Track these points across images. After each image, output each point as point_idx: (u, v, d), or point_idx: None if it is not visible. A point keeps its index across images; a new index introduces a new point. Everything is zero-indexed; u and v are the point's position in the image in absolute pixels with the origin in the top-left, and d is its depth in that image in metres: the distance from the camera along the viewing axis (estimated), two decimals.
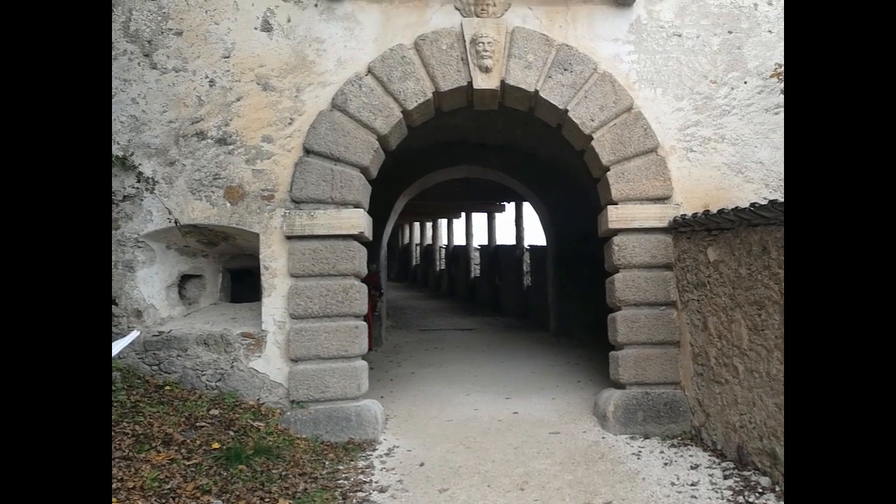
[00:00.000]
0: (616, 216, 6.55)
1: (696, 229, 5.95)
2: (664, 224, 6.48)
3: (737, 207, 5.08)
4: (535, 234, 19.21)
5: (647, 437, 6.13)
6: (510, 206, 20.72)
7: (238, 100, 6.55)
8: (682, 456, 5.61)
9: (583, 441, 6.02)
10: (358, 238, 6.53)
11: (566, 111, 6.63)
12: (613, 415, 6.28)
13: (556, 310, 12.60)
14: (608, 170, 6.63)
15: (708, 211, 5.66)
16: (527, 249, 17.07)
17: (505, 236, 21.73)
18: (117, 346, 4.67)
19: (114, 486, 3.92)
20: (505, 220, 22.92)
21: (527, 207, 17.41)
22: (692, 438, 6.04)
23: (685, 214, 6.21)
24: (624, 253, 6.52)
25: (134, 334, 5.01)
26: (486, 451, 5.76)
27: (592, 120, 6.62)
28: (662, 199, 6.57)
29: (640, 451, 5.73)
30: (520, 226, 17.73)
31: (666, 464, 5.43)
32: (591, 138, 6.65)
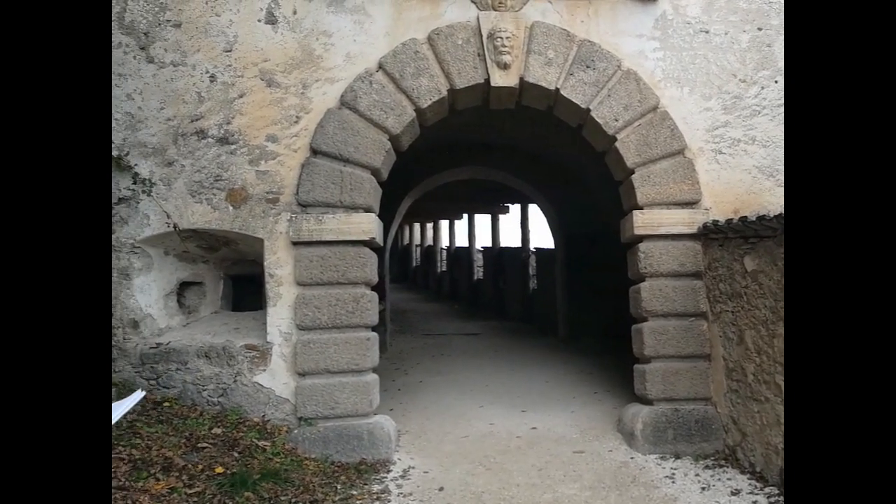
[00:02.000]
0: (642, 221, 6.19)
1: (731, 236, 5.59)
2: (693, 230, 6.13)
3: (781, 214, 4.72)
4: (541, 237, 18.91)
5: (678, 456, 5.77)
6: (515, 208, 20.42)
7: (240, 96, 6.16)
8: (719, 479, 5.25)
9: (610, 462, 5.65)
10: (369, 244, 6.16)
11: (588, 110, 6.27)
12: (642, 433, 5.92)
13: (566, 314, 12.26)
14: (633, 172, 6.28)
15: (745, 217, 5.30)
16: (532, 252, 16.72)
17: (509, 238, 21.37)
18: (119, 410, 4.16)
19: None
20: (509, 222, 22.65)
21: (532, 209, 17.09)
22: (726, 458, 5.68)
23: (717, 220, 5.85)
24: (650, 261, 6.17)
25: (138, 395, 4.56)
26: (508, 473, 5.40)
27: (616, 120, 6.26)
28: (691, 204, 6.22)
29: (673, 474, 5.37)
30: (525, 228, 17.40)
31: (703, 488, 5.07)
32: (615, 139, 6.29)
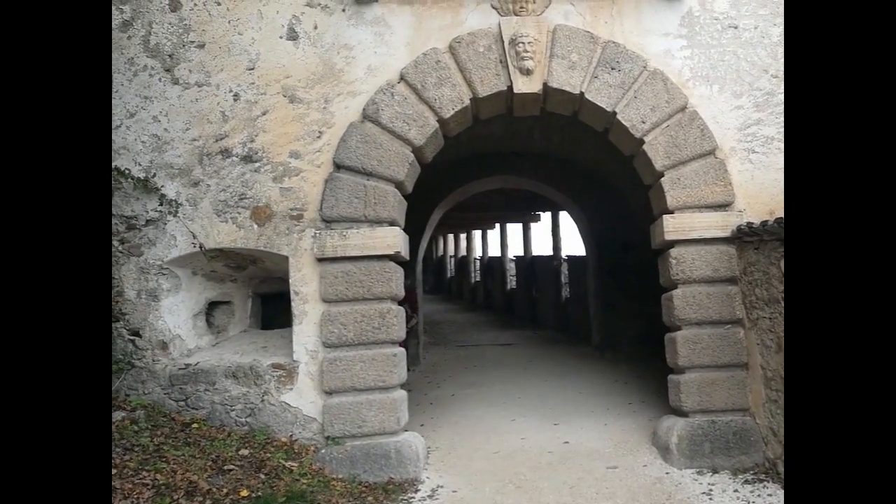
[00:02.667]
0: (672, 226, 6.00)
1: (766, 239, 5.37)
2: (727, 233, 5.92)
3: None
4: (573, 244, 18.68)
5: (715, 471, 5.54)
6: (546, 216, 20.21)
7: (264, 114, 6.16)
8: (759, 496, 5.01)
9: (645, 478, 5.45)
10: (394, 258, 6.08)
11: (614, 113, 6.12)
12: (677, 447, 5.71)
13: (600, 323, 12.02)
14: (662, 175, 6.10)
15: (781, 219, 5.07)
16: (564, 260, 16.51)
17: (541, 247, 21.18)
18: None
19: None
20: (541, 231, 22.43)
21: (563, 217, 16.90)
22: (767, 472, 5.43)
23: (751, 223, 5.64)
24: (682, 266, 5.97)
25: None
26: (538, 491, 5.24)
27: (643, 122, 6.09)
28: (723, 206, 6.01)
29: (710, 490, 5.16)
30: (557, 236, 17.19)
31: None
32: (643, 142, 6.12)
